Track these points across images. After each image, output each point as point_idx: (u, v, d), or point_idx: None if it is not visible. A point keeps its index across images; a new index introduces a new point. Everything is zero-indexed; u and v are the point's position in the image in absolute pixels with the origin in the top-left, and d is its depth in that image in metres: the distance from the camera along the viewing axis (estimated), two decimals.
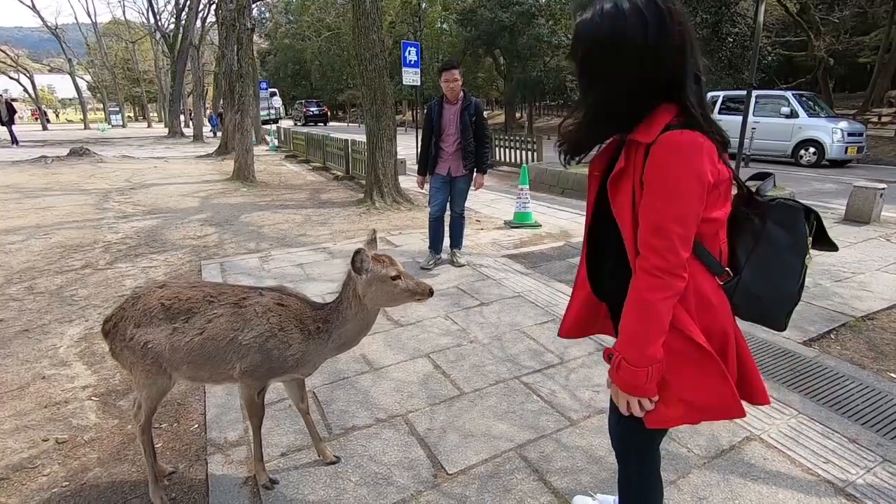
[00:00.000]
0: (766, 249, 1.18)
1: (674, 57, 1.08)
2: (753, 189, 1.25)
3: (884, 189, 6.19)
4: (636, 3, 1.07)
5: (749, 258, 1.19)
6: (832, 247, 1.24)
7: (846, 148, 11.36)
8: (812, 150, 11.63)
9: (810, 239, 1.18)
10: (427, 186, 4.79)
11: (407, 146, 14.02)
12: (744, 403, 1.19)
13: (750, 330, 3.25)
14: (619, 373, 1.15)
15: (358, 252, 1.69)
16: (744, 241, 1.20)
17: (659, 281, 1.07)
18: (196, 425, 2.44)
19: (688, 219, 1.06)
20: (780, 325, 1.25)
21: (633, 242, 1.14)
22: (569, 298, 1.48)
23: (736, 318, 1.23)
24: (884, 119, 17.30)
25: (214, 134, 25.97)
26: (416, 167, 4.84)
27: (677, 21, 1.07)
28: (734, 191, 1.23)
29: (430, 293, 1.75)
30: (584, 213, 1.37)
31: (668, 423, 1.19)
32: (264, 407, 1.93)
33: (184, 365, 1.77)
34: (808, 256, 1.19)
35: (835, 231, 5.74)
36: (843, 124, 11.63)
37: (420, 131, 5.20)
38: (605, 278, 1.33)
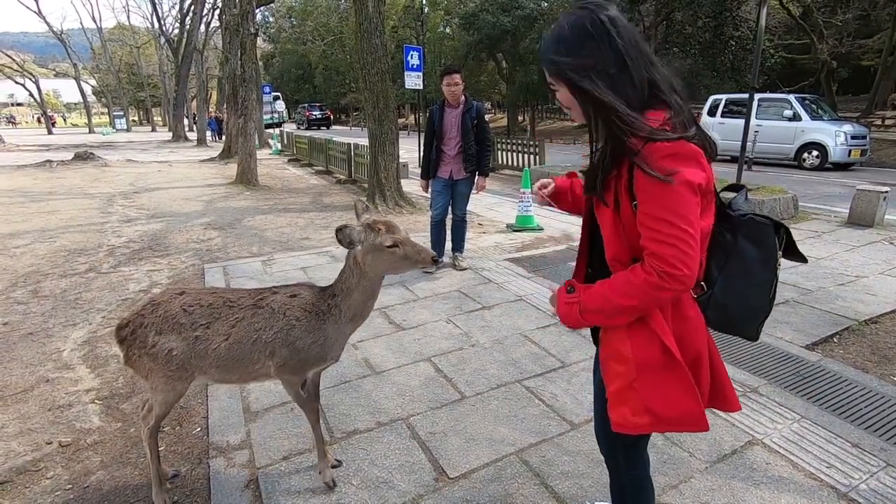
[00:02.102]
0: (738, 265, 1.20)
1: (627, 66, 1.10)
2: (726, 202, 1.26)
3: (887, 192, 6.17)
4: (571, 22, 1.13)
5: (721, 273, 1.21)
6: (802, 259, 1.26)
7: (849, 151, 11.32)
8: (815, 153, 11.59)
9: (780, 253, 1.20)
10: (431, 190, 4.81)
11: (409, 150, 14.06)
12: (715, 413, 1.20)
13: None
14: (564, 306, 1.21)
15: (339, 230, 1.69)
16: (716, 256, 1.22)
17: (662, 283, 1.06)
18: (198, 428, 2.45)
19: (692, 218, 1.05)
20: (751, 335, 1.27)
21: (612, 246, 1.18)
22: None
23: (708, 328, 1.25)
24: (887, 122, 17.25)
25: (214, 138, 26.06)
26: (418, 171, 4.86)
27: (616, 33, 1.10)
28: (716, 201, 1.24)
29: (434, 261, 1.74)
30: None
31: (632, 430, 1.20)
32: (311, 399, 1.96)
33: (212, 369, 1.80)
34: (778, 268, 1.20)
35: (838, 234, 5.72)
36: (847, 127, 11.59)
37: (422, 135, 5.21)
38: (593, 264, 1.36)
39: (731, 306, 1.22)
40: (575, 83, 1.13)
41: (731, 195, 1.31)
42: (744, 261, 1.19)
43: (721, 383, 1.24)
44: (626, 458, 1.40)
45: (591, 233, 1.33)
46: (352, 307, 1.83)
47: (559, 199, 1.54)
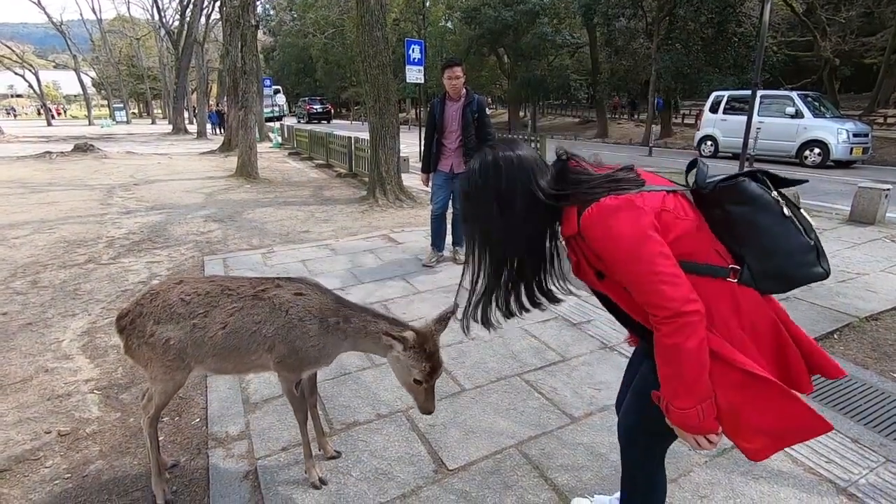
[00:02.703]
0: (745, 230, 1.17)
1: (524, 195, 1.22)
2: (692, 184, 1.24)
3: (889, 190, 6.15)
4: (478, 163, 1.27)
5: (741, 245, 1.18)
6: (799, 181, 1.25)
7: (851, 149, 11.30)
8: (817, 150, 11.57)
9: (773, 192, 1.16)
10: (431, 184, 4.79)
11: (410, 144, 14.03)
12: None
13: None
14: (671, 416, 1.15)
15: (394, 337, 1.62)
16: (725, 234, 1.20)
17: (672, 326, 1.07)
18: (198, 419, 2.45)
19: (654, 264, 1.08)
20: (816, 275, 1.18)
21: (630, 309, 1.23)
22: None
23: (775, 296, 1.23)
24: (889, 120, 17.21)
25: (214, 131, 25.98)
26: (419, 165, 4.84)
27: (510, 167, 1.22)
28: (685, 193, 1.24)
29: (427, 413, 1.73)
30: None
31: (760, 457, 1.15)
32: (302, 400, 1.94)
33: (208, 358, 1.79)
34: (784, 206, 1.15)
35: (839, 231, 5.71)
36: (849, 125, 11.56)
37: (423, 129, 5.19)
38: (625, 322, 1.38)
39: (773, 266, 1.16)
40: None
41: (692, 175, 1.29)
42: (746, 223, 1.16)
43: (813, 351, 1.20)
44: (645, 456, 1.38)
45: (604, 300, 1.36)
46: (357, 345, 1.83)
47: None
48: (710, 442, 1.14)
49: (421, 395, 1.69)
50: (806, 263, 1.16)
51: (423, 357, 1.63)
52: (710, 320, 1.11)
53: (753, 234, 1.16)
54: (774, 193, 1.16)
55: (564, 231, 1.23)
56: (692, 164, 1.30)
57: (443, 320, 1.73)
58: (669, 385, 1.12)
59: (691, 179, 1.26)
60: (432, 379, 1.66)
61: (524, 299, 1.35)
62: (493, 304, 1.34)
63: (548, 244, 1.30)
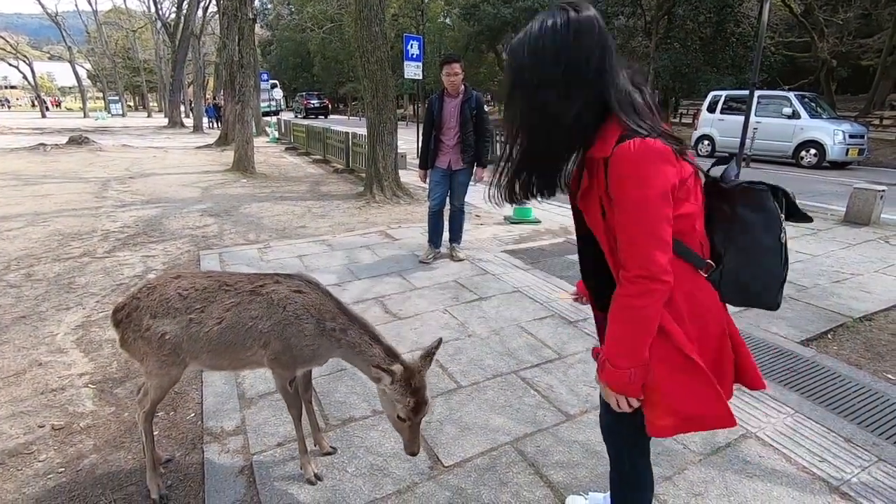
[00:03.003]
0: (741, 235, 1.19)
1: (594, 72, 1.09)
2: (718, 176, 1.25)
3: (884, 191, 6.18)
4: (547, 23, 1.10)
5: (727, 247, 1.20)
6: (806, 218, 1.24)
7: (847, 150, 11.34)
8: (813, 151, 11.61)
9: (783, 215, 1.18)
10: (429, 180, 4.78)
11: (408, 140, 13.99)
12: (743, 398, 1.20)
13: (746, 330, 3.25)
14: (604, 372, 1.20)
15: (383, 369, 1.59)
16: (719, 231, 1.21)
17: (641, 287, 1.09)
18: (193, 414, 2.44)
19: (659, 224, 1.08)
20: (772, 304, 1.23)
21: (608, 250, 1.18)
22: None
23: (728, 305, 1.25)
24: (885, 122, 17.30)
25: (211, 125, 25.83)
26: (416, 161, 4.83)
27: (589, 34, 1.08)
28: (702, 181, 1.23)
29: (411, 455, 1.69)
30: None
31: (662, 433, 1.20)
32: (297, 397, 1.93)
33: (203, 354, 1.77)
34: (783, 231, 1.18)
35: (834, 232, 5.74)
36: (845, 126, 11.61)
37: (421, 126, 5.18)
38: (589, 276, 1.36)
39: (745, 278, 1.20)
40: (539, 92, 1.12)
41: (720, 169, 1.29)
42: (746, 229, 1.18)
43: (743, 360, 1.24)
44: (629, 450, 1.39)
45: (585, 244, 1.33)
46: (347, 357, 1.80)
47: None
48: (629, 405, 1.19)
49: (405, 433, 1.65)
50: (771, 289, 1.21)
51: (408, 392, 1.60)
52: (669, 298, 1.14)
53: (750, 242, 1.18)
54: (783, 216, 1.18)
55: (596, 150, 1.13)
56: (722, 160, 1.31)
57: (429, 356, 1.69)
58: (614, 343, 1.16)
59: (712, 173, 1.27)
60: (416, 416, 1.62)
61: (542, 186, 1.26)
62: (518, 181, 1.25)
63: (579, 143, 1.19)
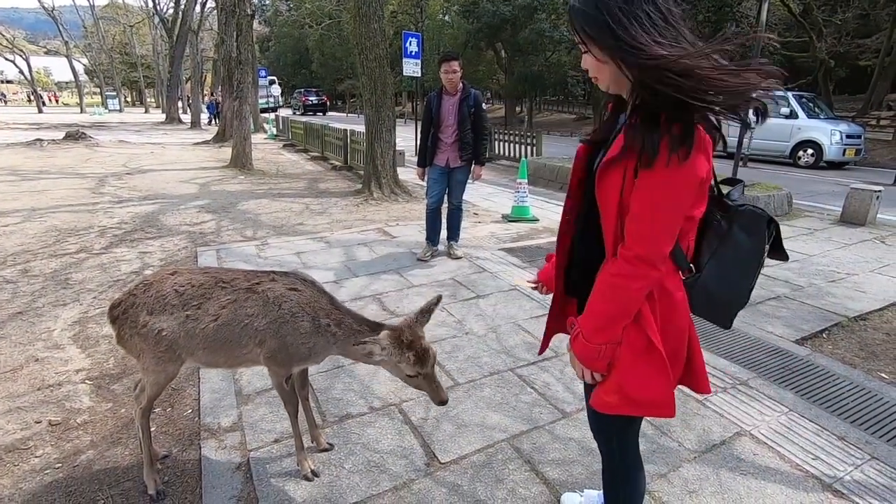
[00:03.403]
0: (729, 251, 1.21)
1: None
2: (724, 192, 1.28)
3: (880, 191, 6.21)
4: None
5: (711, 258, 1.23)
6: (784, 256, 1.28)
7: (844, 150, 11.39)
8: (810, 151, 11.65)
9: (767, 246, 1.22)
10: (427, 178, 4.79)
11: (406, 137, 13.98)
12: (705, 404, 1.22)
13: (743, 329, 3.27)
14: (575, 343, 1.23)
15: (359, 343, 1.63)
16: (708, 241, 1.23)
17: (637, 269, 1.10)
18: (190, 410, 2.44)
19: (677, 214, 1.08)
20: (726, 323, 1.29)
21: (614, 228, 1.15)
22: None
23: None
24: (882, 122, 17.33)
25: (211, 121, 25.74)
26: (415, 159, 4.83)
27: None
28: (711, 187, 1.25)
29: (441, 404, 1.68)
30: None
31: (602, 408, 1.23)
32: (293, 394, 1.93)
33: (199, 350, 1.77)
34: (763, 261, 1.22)
35: (830, 232, 5.76)
36: (842, 126, 11.65)
37: (419, 123, 5.18)
38: (574, 268, 1.35)
39: (715, 291, 1.24)
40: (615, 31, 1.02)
41: (728, 188, 1.32)
42: (736, 248, 1.21)
43: (695, 364, 1.28)
44: (618, 443, 1.40)
45: (579, 218, 1.31)
46: (344, 351, 1.81)
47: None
48: (592, 378, 1.23)
49: (424, 386, 1.68)
50: (733, 310, 1.27)
51: (402, 349, 1.63)
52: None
53: (734, 261, 1.21)
54: (767, 246, 1.22)
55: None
56: (732, 181, 1.34)
57: (427, 311, 1.73)
58: (593, 318, 1.18)
59: (721, 186, 1.29)
60: (423, 367, 1.64)
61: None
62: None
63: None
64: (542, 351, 1.62)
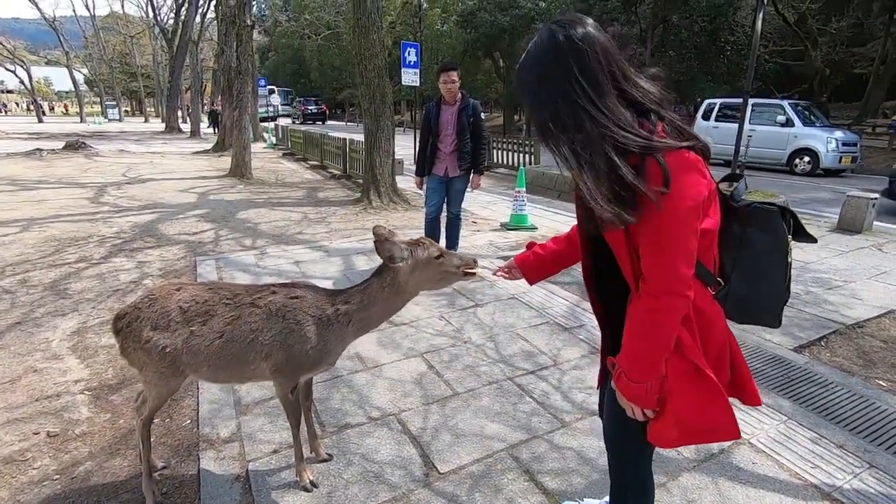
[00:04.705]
0: (749, 255, 1.20)
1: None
2: (727, 194, 1.26)
3: (876, 199, 6.24)
4: (539, 43, 1.10)
5: (735, 266, 1.21)
6: (811, 239, 1.26)
7: (840, 157, 11.45)
8: (807, 158, 11.71)
9: (790, 237, 1.20)
10: (425, 187, 4.81)
11: (405, 146, 14.01)
12: (736, 406, 1.21)
13: (741, 335, 3.28)
14: (619, 384, 1.19)
15: (380, 242, 1.69)
16: (728, 250, 1.22)
17: (664, 304, 1.07)
18: (188, 421, 2.44)
19: (688, 238, 1.06)
20: (774, 323, 1.26)
21: (630, 268, 1.14)
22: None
23: (729, 321, 1.24)
24: (878, 130, 17.44)
25: (214, 130, 25.78)
26: (413, 167, 4.86)
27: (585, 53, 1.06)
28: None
29: (475, 262, 1.73)
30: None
31: (666, 444, 1.20)
32: (297, 405, 1.93)
33: (203, 367, 1.77)
34: (789, 252, 1.20)
35: (827, 240, 5.79)
36: (838, 134, 11.71)
37: (418, 132, 5.21)
38: (599, 278, 1.34)
39: (750, 297, 1.21)
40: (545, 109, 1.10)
41: (730, 186, 1.30)
42: (755, 250, 1.19)
43: (743, 376, 1.25)
44: (633, 461, 1.39)
45: (594, 267, 1.31)
46: (364, 319, 1.82)
47: (534, 271, 1.54)
48: (643, 414, 1.19)
49: (452, 264, 1.71)
50: (774, 310, 1.24)
51: (416, 245, 1.72)
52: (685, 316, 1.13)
53: (757, 264, 1.19)
54: (790, 237, 1.20)
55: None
56: (732, 177, 1.32)
57: (391, 234, 1.80)
58: (632, 359, 1.15)
59: (720, 188, 1.27)
60: (437, 244, 1.74)
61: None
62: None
63: None
64: (598, 385, 1.58)
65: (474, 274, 1.71)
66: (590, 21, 1.10)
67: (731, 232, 1.21)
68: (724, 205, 1.22)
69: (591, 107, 1.05)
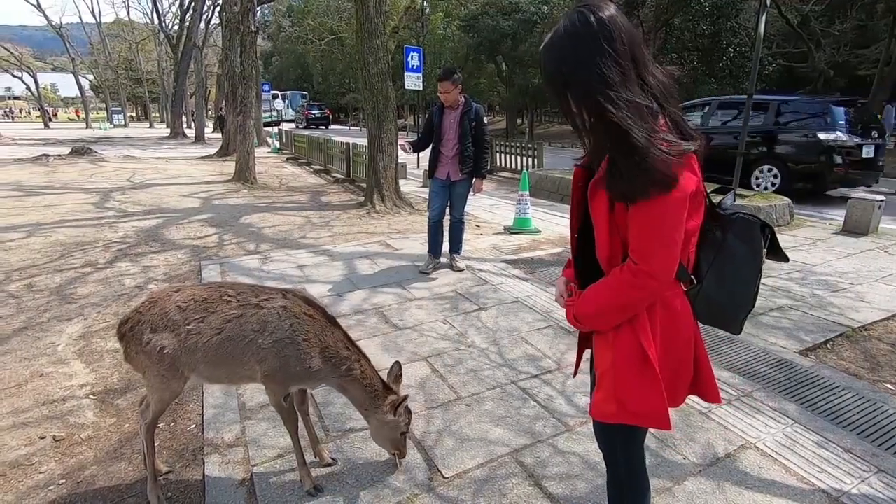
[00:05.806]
0: (727, 261, 1.25)
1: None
2: (716, 202, 1.31)
3: (882, 201, 6.21)
4: (566, 25, 1.12)
5: (710, 268, 1.27)
6: (783, 258, 1.32)
7: None
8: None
9: (765, 251, 1.26)
10: (428, 191, 4.82)
11: None
12: (708, 416, 1.24)
13: (748, 339, 3.26)
14: (567, 314, 1.32)
15: (395, 406, 1.91)
16: (706, 252, 1.27)
17: (641, 282, 1.13)
18: (193, 425, 2.45)
19: (675, 228, 1.11)
20: (735, 329, 1.33)
21: (607, 246, 1.19)
22: None
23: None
24: None
25: (214, 130, 25.88)
26: (417, 172, 4.90)
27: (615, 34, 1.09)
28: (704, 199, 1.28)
29: (404, 457, 2.08)
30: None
31: (602, 417, 1.26)
32: (296, 411, 1.97)
33: (201, 365, 1.79)
34: (762, 263, 1.26)
35: (832, 242, 5.76)
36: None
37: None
38: (580, 279, 1.37)
39: (719, 300, 1.28)
40: (577, 95, 1.13)
41: (720, 197, 1.36)
42: (733, 257, 1.25)
43: (704, 373, 1.30)
44: (623, 454, 1.40)
45: (581, 233, 1.35)
46: (342, 389, 1.96)
47: None
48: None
49: (402, 443, 1.99)
50: (739, 317, 1.31)
51: (403, 412, 1.94)
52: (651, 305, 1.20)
53: (732, 270, 1.25)
54: (765, 251, 1.26)
55: None
56: (723, 190, 1.39)
57: (399, 378, 2.06)
58: (589, 307, 1.23)
59: (712, 196, 1.32)
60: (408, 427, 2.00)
61: None
62: None
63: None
64: (574, 373, 1.65)
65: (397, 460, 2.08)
66: (614, 6, 1.13)
67: (714, 236, 1.26)
68: (711, 210, 1.28)
69: (621, 88, 1.08)
